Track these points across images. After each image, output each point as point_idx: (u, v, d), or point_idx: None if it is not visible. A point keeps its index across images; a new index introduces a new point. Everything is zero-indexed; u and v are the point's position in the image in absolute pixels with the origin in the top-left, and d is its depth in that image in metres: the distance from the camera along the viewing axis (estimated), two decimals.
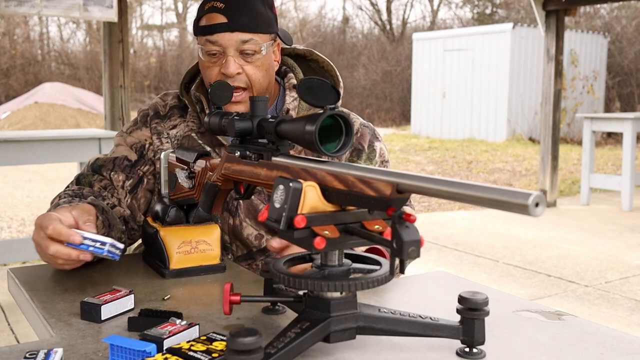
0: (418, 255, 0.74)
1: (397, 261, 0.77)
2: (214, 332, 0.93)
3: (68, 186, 1.52)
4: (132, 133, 1.57)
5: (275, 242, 1.07)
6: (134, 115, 1.83)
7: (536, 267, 4.57)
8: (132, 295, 1.09)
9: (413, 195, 0.90)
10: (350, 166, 0.83)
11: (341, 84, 1.56)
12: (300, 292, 0.95)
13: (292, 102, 1.52)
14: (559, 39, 6.61)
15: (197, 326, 0.96)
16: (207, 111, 1.51)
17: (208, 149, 1.50)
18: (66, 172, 8.85)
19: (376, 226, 0.83)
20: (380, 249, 1.31)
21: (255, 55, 1.43)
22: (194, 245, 1.30)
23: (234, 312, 1.07)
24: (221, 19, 1.40)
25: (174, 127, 1.55)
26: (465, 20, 22.67)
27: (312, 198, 0.83)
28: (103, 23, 4.53)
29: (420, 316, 0.92)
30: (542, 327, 1.02)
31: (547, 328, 1.02)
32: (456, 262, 4.74)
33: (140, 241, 1.55)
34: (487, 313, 0.91)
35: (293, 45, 1.55)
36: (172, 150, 1.38)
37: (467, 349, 0.91)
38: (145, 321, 0.99)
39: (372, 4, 24.22)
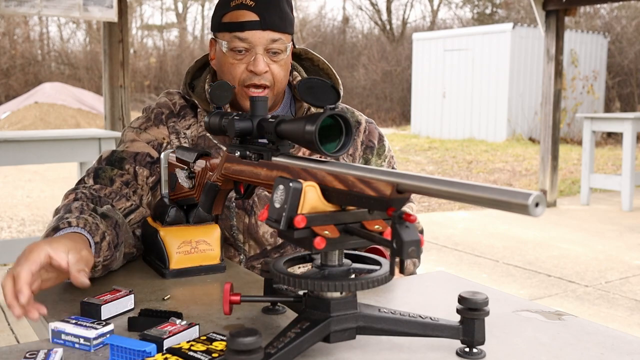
0: (418, 256, 0.74)
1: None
2: (214, 332, 0.93)
3: (83, 179, 1.42)
4: (147, 130, 1.51)
5: None
6: (134, 115, 1.81)
7: (536, 267, 4.57)
8: (132, 295, 1.09)
9: (413, 195, 0.90)
10: (350, 166, 0.83)
11: (340, 82, 1.56)
12: (300, 292, 0.95)
13: None
14: (559, 39, 6.61)
15: (197, 326, 0.96)
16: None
17: (224, 148, 1.49)
18: (66, 172, 8.87)
19: (376, 226, 0.83)
20: (380, 249, 1.31)
21: (281, 54, 1.45)
22: (194, 245, 1.30)
23: (234, 312, 1.07)
24: (252, 16, 1.41)
25: (189, 127, 1.53)
26: (465, 20, 22.66)
27: (312, 198, 0.83)
28: (103, 23, 4.54)
29: (420, 316, 0.92)
30: (542, 327, 1.02)
31: (547, 328, 1.02)
32: (456, 262, 4.74)
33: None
34: (487, 313, 0.91)
35: None
36: (172, 150, 1.37)
37: (467, 349, 0.91)
38: (145, 321, 0.99)
39: (372, 4, 24.21)
